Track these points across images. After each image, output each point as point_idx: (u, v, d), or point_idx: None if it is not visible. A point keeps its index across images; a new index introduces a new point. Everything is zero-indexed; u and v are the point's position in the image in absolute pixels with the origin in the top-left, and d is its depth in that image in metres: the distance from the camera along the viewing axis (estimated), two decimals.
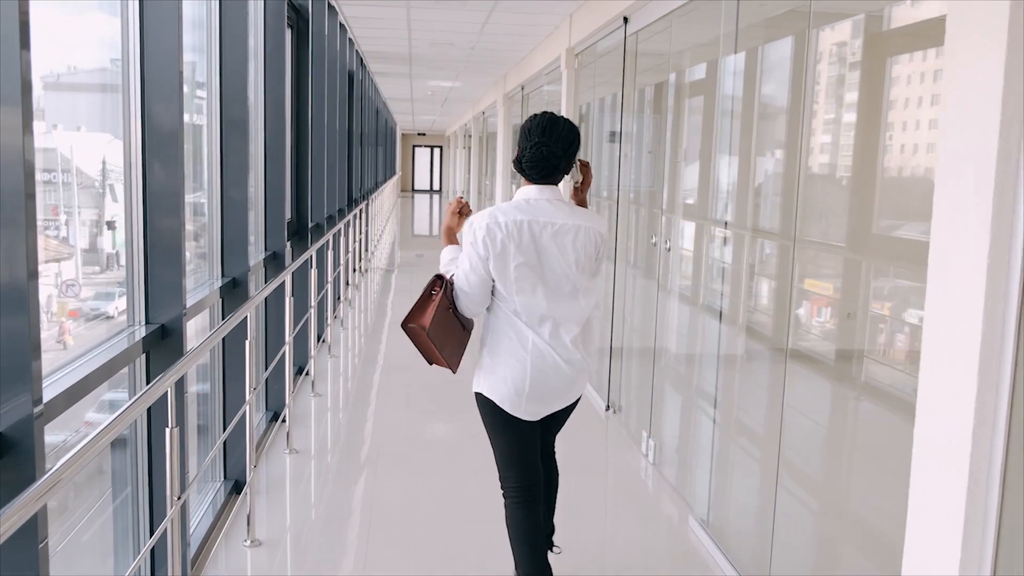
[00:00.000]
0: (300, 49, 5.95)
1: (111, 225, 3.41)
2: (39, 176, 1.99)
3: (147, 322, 2.86)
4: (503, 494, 2.86)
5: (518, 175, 2.79)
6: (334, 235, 7.75)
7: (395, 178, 27.90)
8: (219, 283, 3.87)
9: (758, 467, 3.51)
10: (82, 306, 3.40)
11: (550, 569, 2.82)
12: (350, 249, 9.10)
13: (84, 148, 3.26)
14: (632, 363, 5.35)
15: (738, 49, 3.70)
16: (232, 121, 3.92)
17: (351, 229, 9.01)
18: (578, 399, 2.88)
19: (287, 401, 4.50)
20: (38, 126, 1.93)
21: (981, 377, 1.75)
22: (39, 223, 1.88)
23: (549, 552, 2.93)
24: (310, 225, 7.01)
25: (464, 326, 2.81)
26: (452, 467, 4.22)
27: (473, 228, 2.68)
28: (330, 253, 6.55)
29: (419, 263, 13.58)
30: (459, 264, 2.73)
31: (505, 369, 2.71)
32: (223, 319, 3.52)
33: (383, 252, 14.99)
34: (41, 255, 1.86)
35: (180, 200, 2.86)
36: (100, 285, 3.51)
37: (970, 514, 1.78)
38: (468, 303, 2.73)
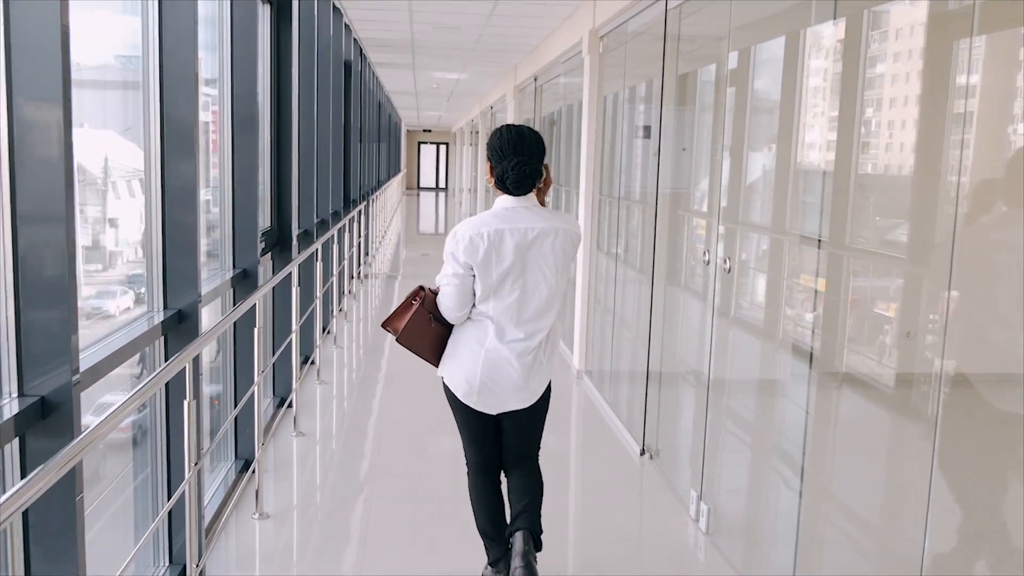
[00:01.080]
0: (281, 31, 5.09)
1: (113, 223, 3.49)
2: None
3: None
4: (465, 463, 3.14)
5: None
6: (326, 242, 6.91)
7: (400, 175, 27.51)
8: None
9: (863, 557, 2.65)
10: (83, 305, 3.57)
11: (504, 528, 3.05)
12: (346, 256, 8.26)
13: (87, 145, 3.23)
14: (675, 398, 4.49)
15: (837, 15, 2.83)
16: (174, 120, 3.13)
17: (347, 234, 8.15)
18: (540, 403, 3.01)
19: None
20: None
21: None
22: None
23: (538, 552, 2.99)
24: (297, 231, 6.17)
25: (446, 327, 2.96)
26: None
27: (456, 239, 2.82)
28: (319, 266, 5.68)
29: (425, 262, 13.11)
30: (443, 273, 2.88)
31: (462, 361, 2.91)
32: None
33: (386, 253, 14.18)
34: None
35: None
36: (102, 284, 3.54)
37: None
38: (449, 311, 2.90)
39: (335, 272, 7.14)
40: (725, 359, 3.76)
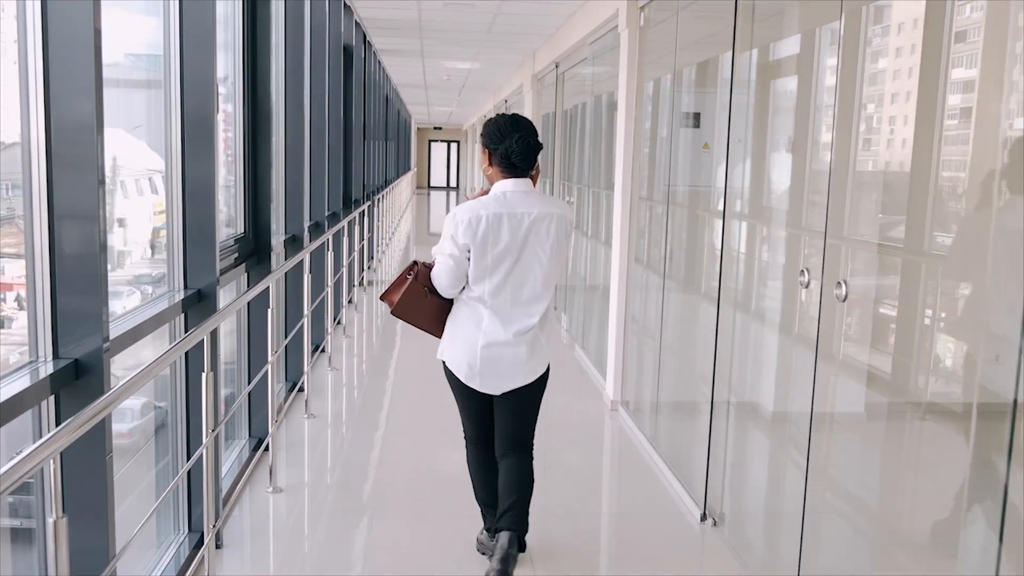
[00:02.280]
0: (258, 5, 4.19)
1: (122, 223, 3.52)
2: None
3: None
4: (464, 437, 3.27)
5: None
6: (321, 248, 6.03)
7: (410, 174, 26.90)
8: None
9: None
10: None
11: (496, 498, 3.14)
12: (345, 263, 7.37)
13: None
14: (753, 451, 3.57)
15: None
16: None
17: (345, 238, 7.26)
18: (538, 383, 3.10)
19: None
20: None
21: None
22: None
23: (521, 553, 3.04)
24: (284, 237, 5.27)
25: (443, 299, 3.06)
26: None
27: (456, 220, 2.93)
28: (307, 278, 4.79)
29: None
30: (440, 251, 3.00)
31: (460, 344, 3.03)
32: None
33: (394, 256, 13.29)
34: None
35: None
36: (110, 284, 3.68)
37: None
38: (443, 288, 3.02)
39: (330, 283, 6.23)
40: (830, 414, 2.83)
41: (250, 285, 4.12)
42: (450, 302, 3.06)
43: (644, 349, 5.13)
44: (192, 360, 3.23)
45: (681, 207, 4.46)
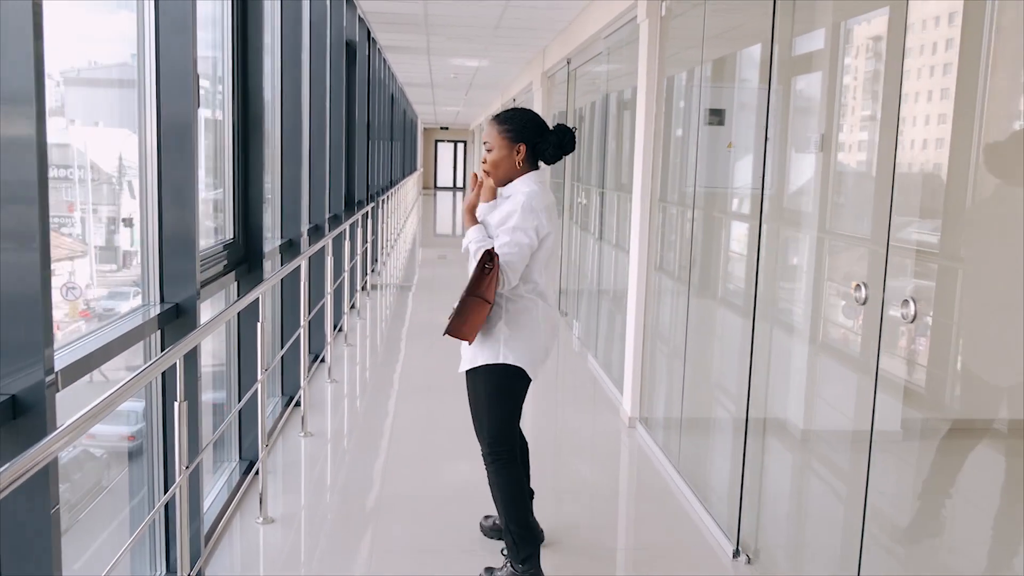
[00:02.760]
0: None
1: (128, 222, 3.40)
2: (55, 172, 2.23)
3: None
4: (495, 459, 3.00)
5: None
6: (320, 253, 5.71)
7: (416, 174, 26.66)
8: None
9: None
10: (95, 306, 3.48)
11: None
12: (347, 267, 7.04)
13: (101, 144, 3.33)
14: (791, 481, 3.23)
15: None
16: None
17: (347, 241, 6.94)
18: None
19: (302, 384, 4.53)
20: (57, 122, 2.40)
21: None
22: (55, 220, 2.12)
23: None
24: (280, 241, 4.95)
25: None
26: (470, 451, 3.52)
27: (535, 211, 2.86)
28: (303, 286, 4.46)
29: (442, 265, 12.39)
30: (515, 241, 2.85)
31: (527, 336, 2.95)
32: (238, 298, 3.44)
33: (399, 258, 12.98)
34: (55, 253, 2.01)
35: (193, 193, 2.89)
36: (115, 284, 3.46)
37: None
38: (514, 274, 2.86)
39: (329, 290, 5.90)
40: (885, 439, 2.49)
41: (240, 295, 3.78)
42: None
43: (665, 362, 4.78)
44: (168, 387, 2.87)
45: (706, 210, 4.11)
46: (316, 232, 6.04)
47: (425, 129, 33.75)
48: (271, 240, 4.97)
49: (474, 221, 3.01)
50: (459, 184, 35.38)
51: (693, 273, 4.18)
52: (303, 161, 5.33)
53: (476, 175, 3.05)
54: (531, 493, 3.25)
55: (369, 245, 9.18)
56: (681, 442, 4.31)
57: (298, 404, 4.69)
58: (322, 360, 5.77)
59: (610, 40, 6.17)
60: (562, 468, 4.51)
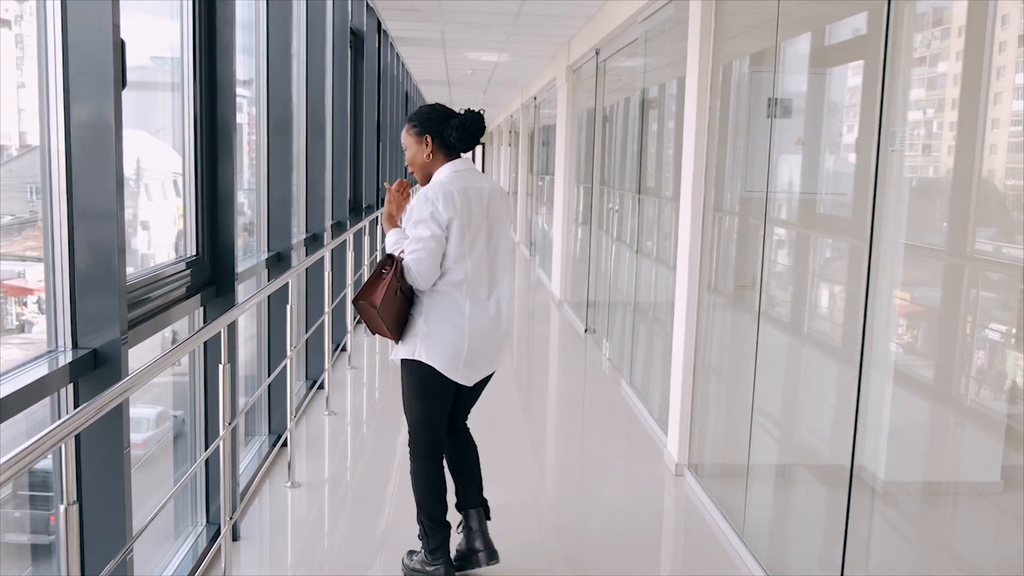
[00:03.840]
0: None
1: (146, 225, 3.51)
2: None
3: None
4: (413, 451, 3.02)
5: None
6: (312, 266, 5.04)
7: None
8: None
9: None
10: None
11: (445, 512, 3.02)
12: (351, 280, 6.34)
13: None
14: (922, 555, 2.49)
15: None
16: None
17: (349, 252, 6.24)
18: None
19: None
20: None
21: None
22: None
23: (488, 521, 3.09)
24: (267, 255, 4.25)
25: (408, 299, 2.89)
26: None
27: (429, 199, 2.81)
28: (291, 309, 3.77)
29: None
30: (416, 237, 2.81)
31: (443, 336, 2.84)
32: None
33: None
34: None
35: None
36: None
37: None
38: (422, 276, 2.81)
39: (328, 308, 5.20)
40: None
41: (207, 321, 3.09)
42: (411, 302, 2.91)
43: (724, 400, 4.03)
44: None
45: (782, 222, 3.36)
46: (314, 241, 5.34)
47: None
48: (257, 254, 4.28)
49: (394, 225, 3.02)
50: None
51: (764, 298, 3.42)
52: (299, 166, 4.65)
53: (388, 185, 3.08)
54: (485, 503, 3.13)
55: (379, 253, 8.59)
56: (746, 498, 3.55)
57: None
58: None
59: (648, 24, 5.43)
60: (592, 523, 3.78)
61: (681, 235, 4.28)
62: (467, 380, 2.91)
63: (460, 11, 7.38)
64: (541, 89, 11.78)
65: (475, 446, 3.17)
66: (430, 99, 18.82)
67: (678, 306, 4.31)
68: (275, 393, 4.39)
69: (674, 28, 4.90)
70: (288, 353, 3.84)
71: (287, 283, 3.94)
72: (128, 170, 3.36)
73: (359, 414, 5.26)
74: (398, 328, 2.87)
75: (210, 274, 3.16)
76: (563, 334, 8.20)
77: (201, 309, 3.17)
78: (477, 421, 3.22)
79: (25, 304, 2.85)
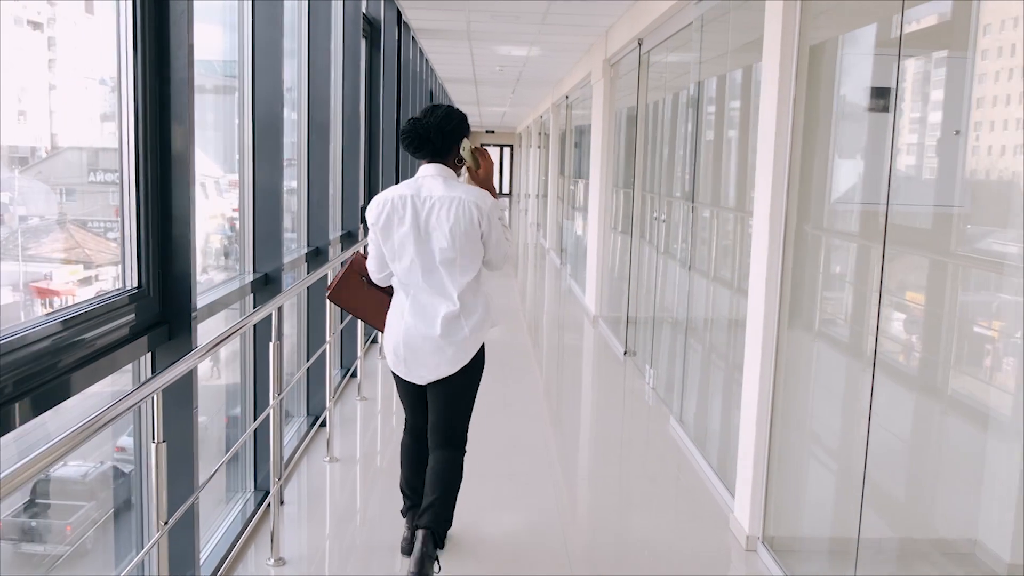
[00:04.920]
0: None
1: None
2: (103, 177, 2.68)
3: (254, 272, 3.67)
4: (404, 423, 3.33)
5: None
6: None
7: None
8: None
9: None
10: None
11: (421, 487, 3.18)
12: None
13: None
14: None
15: None
16: None
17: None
18: (464, 374, 3.05)
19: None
20: (108, 126, 2.51)
21: None
22: (101, 225, 2.73)
23: (440, 550, 3.02)
24: (253, 277, 3.55)
25: (385, 293, 3.17)
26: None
27: (370, 204, 3.03)
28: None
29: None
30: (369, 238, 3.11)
31: (390, 332, 3.09)
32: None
33: None
34: (99, 258, 2.55)
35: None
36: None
37: None
38: (370, 269, 3.12)
39: (329, 337, 4.51)
40: None
41: (156, 370, 2.39)
42: (391, 296, 3.14)
43: (813, 461, 3.25)
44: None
45: (908, 242, 2.57)
46: (317, 256, 4.63)
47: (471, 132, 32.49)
48: (242, 276, 3.57)
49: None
50: (505, 190, 34.00)
51: (881, 344, 2.63)
52: (299, 170, 3.95)
53: None
54: (432, 529, 3.04)
55: None
56: None
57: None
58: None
59: (706, 5, 4.65)
60: None
61: (755, 254, 3.50)
62: (412, 377, 3.08)
63: None
64: (574, 87, 11.02)
65: (447, 475, 3.08)
66: (456, 98, 18.12)
67: (751, 341, 3.53)
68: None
69: (740, 7, 4.13)
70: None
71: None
72: None
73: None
74: (378, 319, 3.18)
75: (158, 313, 2.44)
76: (599, 356, 7.42)
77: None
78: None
79: (52, 305, 2.85)
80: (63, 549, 2.88)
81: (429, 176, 2.97)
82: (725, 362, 4.25)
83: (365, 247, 3.15)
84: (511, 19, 7.39)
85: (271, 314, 3.13)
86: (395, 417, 5.08)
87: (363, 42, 6.16)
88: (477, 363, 3.06)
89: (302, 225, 4.72)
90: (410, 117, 3.05)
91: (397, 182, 8.24)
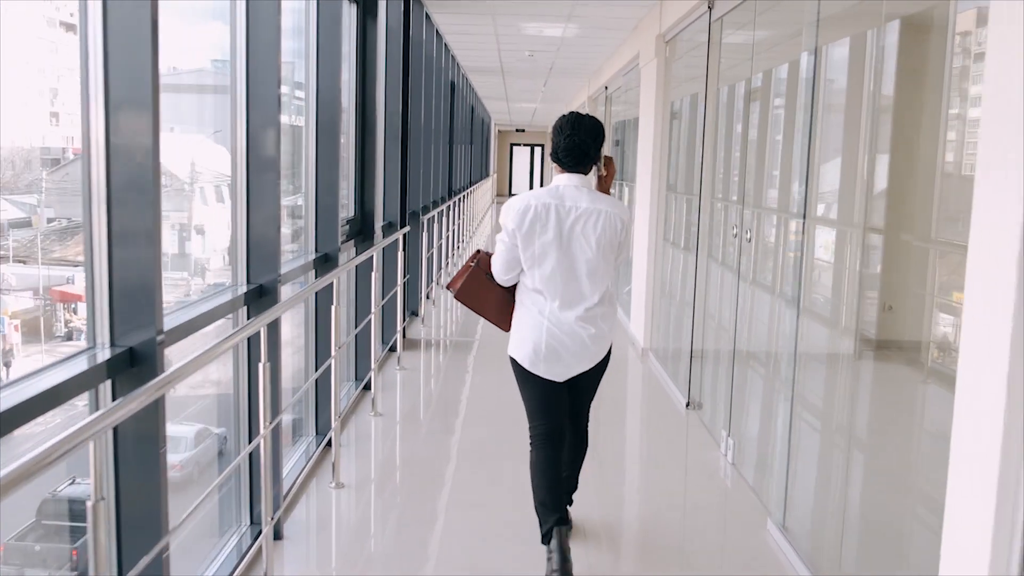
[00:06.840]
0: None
1: (200, 230, 3.59)
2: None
3: (248, 283, 3.42)
4: (530, 440, 3.33)
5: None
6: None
7: (489, 180, 25.67)
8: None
9: None
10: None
11: (566, 508, 3.34)
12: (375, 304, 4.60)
13: (174, 150, 3.28)
14: None
15: None
16: None
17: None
18: (601, 364, 3.30)
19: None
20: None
21: None
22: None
23: (568, 507, 3.45)
24: (247, 287, 2.38)
25: (507, 291, 3.32)
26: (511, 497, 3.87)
27: (509, 208, 3.18)
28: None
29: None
30: (498, 238, 3.24)
31: (526, 333, 3.22)
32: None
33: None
34: None
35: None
36: (184, 294, 3.52)
37: None
38: (496, 273, 3.28)
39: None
40: None
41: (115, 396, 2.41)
42: (514, 296, 3.29)
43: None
44: (252, 353, 3.34)
45: None
46: (326, 263, 3.71)
47: (499, 132, 32.00)
48: (234, 287, 2.77)
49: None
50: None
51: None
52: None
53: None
54: (574, 487, 3.55)
55: (434, 251, 9.19)
56: None
57: (368, 387, 5.31)
58: (392, 349, 6.45)
59: None
60: None
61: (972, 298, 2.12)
62: (548, 374, 3.22)
63: None
64: (615, 74, 9.70)
65: (581, 450, 3.46)
66: (483, 92, 16.88)
67: (966, 415, 2.16)
68: (322, 394, 4.57)
69: None
70: (332, 353, 3.99)
71: (332, 283, 3.99)
72: (183, 172, 3.45)
73: (409, 416, 5.38)
74: (498, 316, 3.35)
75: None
76: (650, 406, 6.02)
77: None
78: None
79: (75, 311, 2.95)
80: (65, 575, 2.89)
81: (572, 186, 3.16)
82: (862, 452, 2.89)
83: (484, 251, 3.38)
84: None
85: (259, 331, 2.94)
86: (418, 433, 5.04)
87: (351, 7, 4.85)
88: (609, 352, 3.32)
89: (310, 230, 4.46)
90: (563, 132, 3.17)
91: (404, 194, 7.10)
